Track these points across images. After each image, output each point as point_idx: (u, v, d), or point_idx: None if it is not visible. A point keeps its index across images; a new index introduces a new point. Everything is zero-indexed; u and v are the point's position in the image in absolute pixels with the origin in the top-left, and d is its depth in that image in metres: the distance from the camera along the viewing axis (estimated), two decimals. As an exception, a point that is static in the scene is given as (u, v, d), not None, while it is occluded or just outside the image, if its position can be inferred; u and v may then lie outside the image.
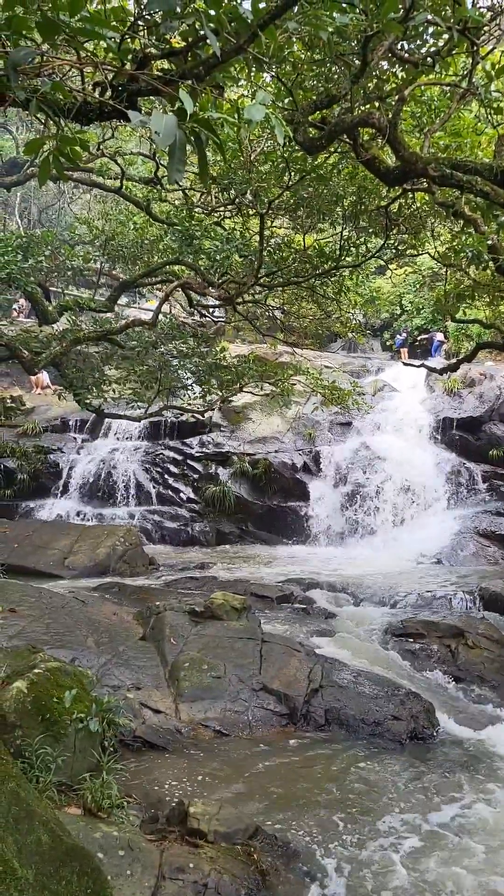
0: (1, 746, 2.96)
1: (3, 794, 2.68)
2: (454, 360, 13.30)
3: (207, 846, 4.00)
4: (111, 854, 3.65)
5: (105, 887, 3.02)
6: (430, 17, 4.98)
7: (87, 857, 3.03)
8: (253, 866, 3.93)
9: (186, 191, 11.93)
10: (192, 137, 2.49)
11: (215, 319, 18.57)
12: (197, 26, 2.94)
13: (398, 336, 26.90)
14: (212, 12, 2.73)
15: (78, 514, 15.97)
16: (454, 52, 6.42)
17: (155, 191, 11.90)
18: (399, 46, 6.21)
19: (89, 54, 3.02)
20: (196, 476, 17.29)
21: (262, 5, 3.13)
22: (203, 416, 15.73)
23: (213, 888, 3.68)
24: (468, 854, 4.47)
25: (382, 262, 13.30)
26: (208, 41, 2.75)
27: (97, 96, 3.20)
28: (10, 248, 10.07)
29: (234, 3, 2.77)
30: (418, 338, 26.16)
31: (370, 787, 5.29)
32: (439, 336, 24.69)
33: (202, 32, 3.00)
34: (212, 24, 2.73)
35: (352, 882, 4.14)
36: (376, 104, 6.87)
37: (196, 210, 11.37)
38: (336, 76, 6.89)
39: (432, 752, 6.09)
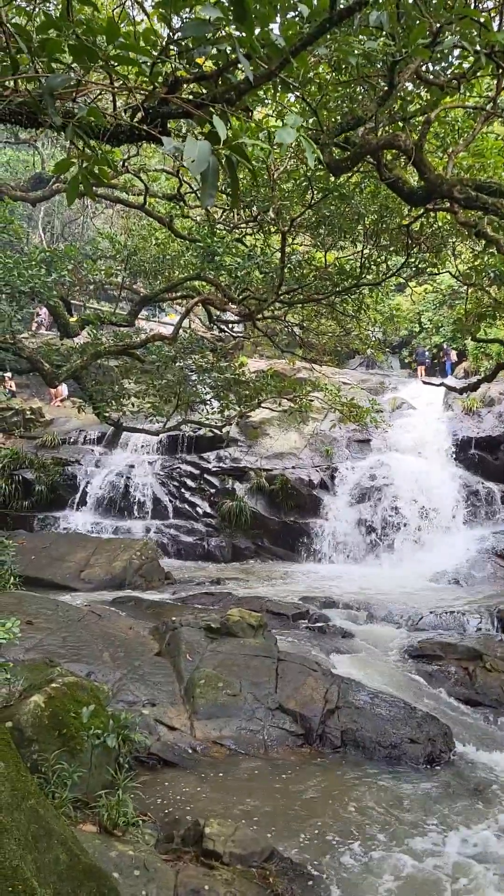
0: (20, 763, 2.96)
1: (22, 811, 2.68)
2: (474, 379, 13.24)
3: (223, 868, 3.96)
4: (126, 874, 3.63)
5: (121, 908, 3.00)
6: (457, 40, 5.00)
7: (104, 877, 3.02)
8: (269, 890, 3.88)
9: (209, 208, 12.03)
10: (222, 161, 2.51)
11: (234, 335, 18.62)
12: (229, 51, 2.98)
13: (417, 354, 26.87)
14: (242, 34, 2.76)
15: (94, 526, 16.01)
16: (479, 74, 6.45)
17: (177, 207, 12.01)
18: (424, 69, 6.24)
19: (121, 78, 3.06)
20: (213, 491, 17.29)
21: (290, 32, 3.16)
22: (221, 431, 15.74)
23: (228, 911, 3.65)
24: (491, 885, 4.39)
25: (402, 280, 13.31)
26: (239, 66, 2.78)
27: (129, 120, 3.24)
28: (33, 263, 10.20)
29: (266, 29, 2.79)
30: (439, 354, 26.11)
31: (387, 811, 5.23)
32: (452, 355, 24.62)
33: (233, 57, 3.03)
34: (243, 50, 2.76)
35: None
36: (400, 125, 6.90)
37: (218, 226, 11.46)
38: (361, 97, 6.93)
39: (449, 776, 6.00)
